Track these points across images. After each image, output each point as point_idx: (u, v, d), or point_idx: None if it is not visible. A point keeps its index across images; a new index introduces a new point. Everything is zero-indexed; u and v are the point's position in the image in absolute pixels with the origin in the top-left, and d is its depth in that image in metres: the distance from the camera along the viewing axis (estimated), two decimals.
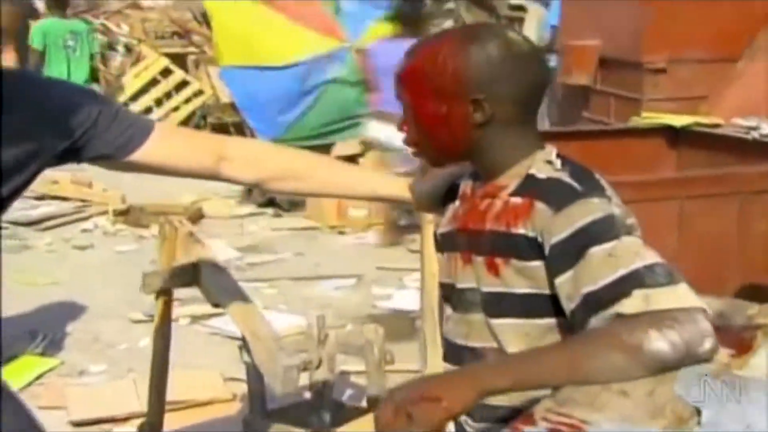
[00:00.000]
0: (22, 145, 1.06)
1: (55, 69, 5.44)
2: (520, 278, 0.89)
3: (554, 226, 0.83)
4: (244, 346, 1.71)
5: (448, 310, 1.05)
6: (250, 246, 4.18)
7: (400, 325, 2.76)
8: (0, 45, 0.94)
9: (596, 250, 0.79)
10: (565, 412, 0.81)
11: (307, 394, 1.88)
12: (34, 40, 5.50)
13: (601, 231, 0.81)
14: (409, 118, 0.96)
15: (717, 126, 2.32)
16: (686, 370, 0.75)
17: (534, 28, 5.47)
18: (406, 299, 3.10)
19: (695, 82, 2.68)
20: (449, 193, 1.06)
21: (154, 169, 1.23)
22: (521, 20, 5.90)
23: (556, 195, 0.86)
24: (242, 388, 2.06)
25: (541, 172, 0.89)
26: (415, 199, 1.17)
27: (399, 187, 1.25)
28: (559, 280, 0.82)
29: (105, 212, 4.60)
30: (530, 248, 0.87)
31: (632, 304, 0.73)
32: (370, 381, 1.83)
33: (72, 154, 1.14)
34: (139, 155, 1.16)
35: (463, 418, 0.95)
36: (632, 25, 3.13)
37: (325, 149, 4.25)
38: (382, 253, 4.11)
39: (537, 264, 0.87)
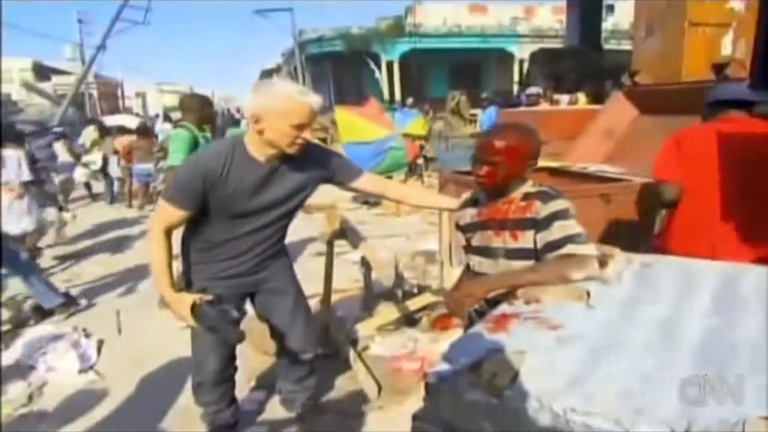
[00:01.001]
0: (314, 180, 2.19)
1: None
2: (526, 240, 1.70)
3: (541, 210, 1.67)
4: (363, 264, 4.01)
5: (479, 258, 1.86)
6: (358, 221, 6.78)
7: (428, 256, 5.10)
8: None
9: (557, 223, 1.64)
10: (530, 293, 1.50)
11: (391, 286, 4.20)
12: None
13: (562, 214, 1.65)
14: (497, 168, 1.72)
15: (569, 167, 4.27)
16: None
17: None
18: (430, 244, 5.54)
19: (559, 147, 4.86)
20: (465, 204, 2.02)
21: (352, 189, 2.36)
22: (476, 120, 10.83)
23: (544, 197, 1.70)
24: (361, 284, 4.24)
25: (532, 189, 1.75)
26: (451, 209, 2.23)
27: (439, 200, 2.51)
28: (539, 235, 1.67)
29: None
30: (531, 224, 1.69)
31: (565, 250, 1.60)
32: (418, 280, 4.14)
33: (327, 180, 2.25)
34: (355, 183, 2.31)
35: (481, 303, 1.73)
36: (532, 122, 5.39)
37: (389, 178, 8.38)
38: (415, 224, 6.91)
39: (531, 232, 1.69)
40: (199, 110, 3.90)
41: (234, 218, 2.06)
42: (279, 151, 1.99)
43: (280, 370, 2.64)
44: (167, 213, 2.01)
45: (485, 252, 1.85)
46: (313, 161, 2.16)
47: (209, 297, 1.96)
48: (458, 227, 2.04)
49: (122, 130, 10.23)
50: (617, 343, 1.22)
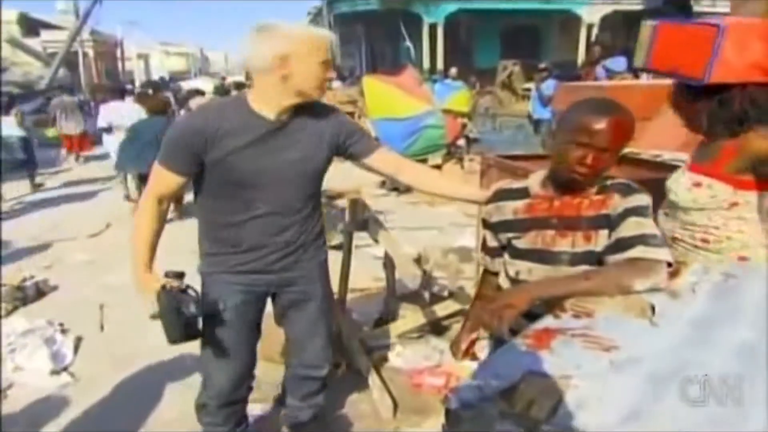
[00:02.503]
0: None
1: None
2: (600, 241, 1.66)
3: (620, 205, 1.65)
4: (386, 260, 4.00)
5: (529, 264, 1.78)
6: (385, 209, 6.85)
7: (463, 253, 5.04)
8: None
9: (632, 219, 1.61)
10: (582, 305, 1.44)
11: (417, 288, 4.17)
12: None
13: (640, 210, 1.63)
14: (607, 157, 1.63)
15: (639, 154, 4.23)
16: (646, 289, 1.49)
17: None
18: (466, 240, 5.50)
19: None
20: (502, 196, 1.88)
21: (365, 165, 2.27)
22: (529, 96, 10.81)
23: (624, 189, 1.68)
24: (382, 283, 4.25)
25: (607, 181, 1.71)
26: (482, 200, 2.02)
27: (467, 192, 2.30)
28: (612, 233, 1.63)
29: None
30: (605, 222, 1.66)
31: (634, 252, 1.54)
32: (449, 283, 4.12)
33: (339, 149, 2.18)
34: (369, 158, 2.23)
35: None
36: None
37: (423, 161, 7.74)
38: (450, 215, 6.88)
39: (607, 231, 1.65)
40: None
41: (241, 187, 2.03)
42: (302, 99, 1.99)
43: (288, 384, 2.63)
44: (161, 177, 2.03)
45: (541, 257, 1.76)
46: (326, 120, 2.14)
47: (180, 284, 1.98)
48: (488, 225, 1.94)
49: (198, 92, 11.89)
50: (686, 372, 1.15)
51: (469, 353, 1.86)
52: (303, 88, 1.96)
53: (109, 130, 8.24)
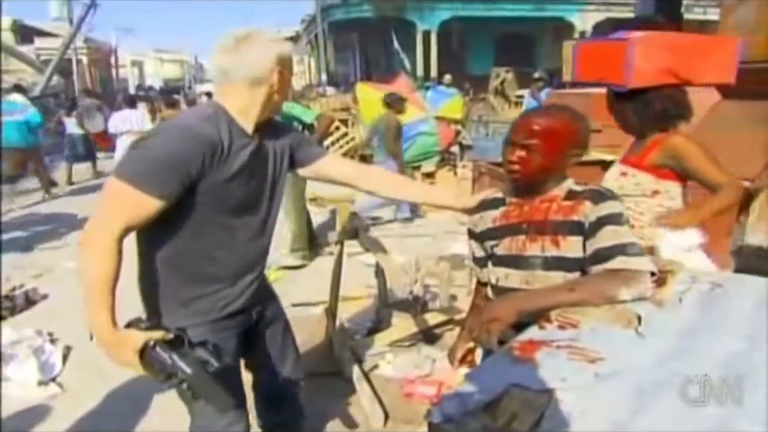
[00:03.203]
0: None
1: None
2: (571, 248, 1.64)
3: (592, 213, 1.61)
4: (378, 269, 3.98)
5: (505, 270, 1.77)
6: (377, 217, 7.01)
7: (456, 261, 5.02)
8: None
9: (608, 228, 1.58)
10: (567, 316, 1.44)
11: (409, 296, 4.15)
12: None
13: (614, 218, 1.60)
14: (533, 154, 1.65)
15: None
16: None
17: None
18: (459, 247, 5.42)
19: (616, 137, 4.74)
20: (483, 206, 1.89)
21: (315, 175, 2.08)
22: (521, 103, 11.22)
23: (596, 196, 1.65)
24: (374, 291, 4.23)
25: (577, 187, 1.70)
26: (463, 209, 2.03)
27: (436, 196, 2.31)
28: (587, 242, 1.61)
29: None
30: (577, 229, 1.63)
31: (614, 263, 1.53)
32: (441, 291, 4.10)
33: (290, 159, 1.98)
34: (317, 164, 2.04)
35: None
36: (584, 107, 5.25)
37: (417, 168, 8.68)
38: (442, 223, 6.77)
39: (579, 238, 1.63)
40: None
41: (232, 215, 1.79)
42: (270, 114, 1.86)
43: (259, 409, 2.29)
44: (132, 203, 1.58)
45: (516, 262, 1.76)
46: (283, 134, 1.99)
47: (166, 335, 1.60)
48: (473, 235, 1.93)
49: (208, 95, 12.85)
50: (672, 384, 1.13)
51: (466, 361, 1.89)
52: (278, 102, 1.85)
53: (116, 135, 9.39)
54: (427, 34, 24.82)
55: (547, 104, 2.04)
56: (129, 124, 9.35)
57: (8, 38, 27.32)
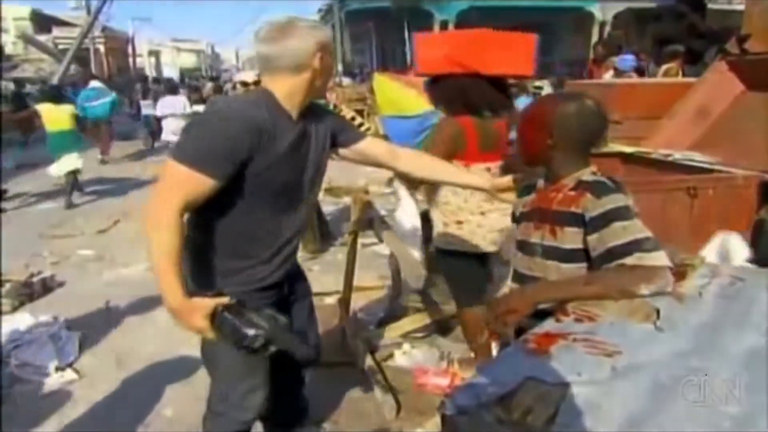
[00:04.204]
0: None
1: None
2: (566, 238, 1.63)
3: (594, 207, 1.56)
4: (392, 259, 3.96)
5: (519, 254, 1.82)
6: (392, 208, 6.87)
7: None
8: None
9: (617, 224, 1.52)
10: (584, 308, 1.42)
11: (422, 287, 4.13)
12: None
13: (621, 213, 1.54)
14: (526, 139, 1.75)
15: (649, 153, 4.16)
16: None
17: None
18: None
19: (637, 129, 4.69)
20: (525, 190, 1.91)
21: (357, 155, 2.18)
22: (539, 94, 9.58)
23: (598, 189, 1.59)
24: (388, 282, 4.24)
25: (588, 177, 1.66)
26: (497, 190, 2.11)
27: (470, 178, 2.30)
28: (590, 238, 1.56)
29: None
30: (576, 220, 1.60)
31: (631, 260, 1.48)
32: None
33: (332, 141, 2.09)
34: (358, 145, 2.15)
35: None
36: (604, 98, 5.20)
37: None
38: None
39: (578, 230, 1.60)
40: None
41: (276, 196, 1.90)
42: (313, 98, 1.95)
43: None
44: (191, 182, 1.69)
45: (523, 247, 1.81)
46: (324, 117, 2.09)
47: (228, 301, 1.72)
48: (513, 219, 1.99)
49: (243, 84, 13.92)
50: (691, 379, 1.11)
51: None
52: (321, 88, 1.95)
53: (164, 118, 10.99)
54: (444, 24, 24.62)
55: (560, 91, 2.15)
56: (173, 108, 10.86)
57: (27, 27, 27.61)
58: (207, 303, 1.69)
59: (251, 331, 1.67)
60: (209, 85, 16.08)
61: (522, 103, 10.41)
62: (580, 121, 1.67)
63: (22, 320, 3.87)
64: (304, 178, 1.97)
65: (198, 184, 1.69)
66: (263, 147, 1.76)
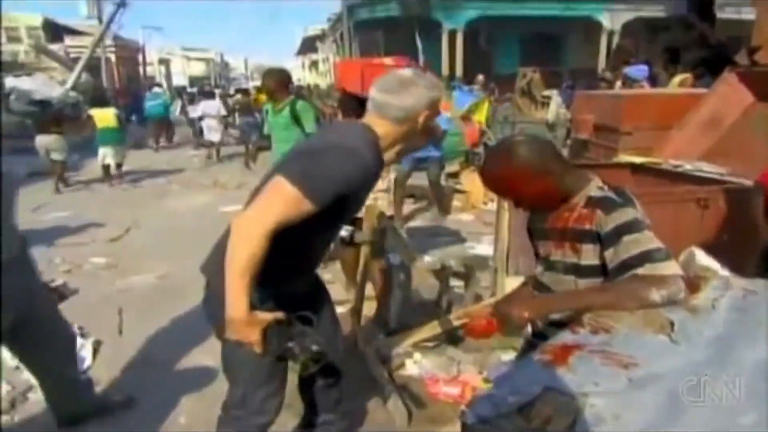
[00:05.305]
0: None
1: None
2: (587, 255, 1.68)
3: (605, 223, 1.62)
4: (403, 269, 3.98)
5: (541, 268, 1.90)
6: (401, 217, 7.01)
7: (480, 262, 5.03)
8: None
9: (627, 238, 1.57)
10: (599, 320, 1.44)
11: (433, 297, 4.17)
12: None
13: (631, 227, 1.59)
14: (521, 197, 1.80)
15: (659, 164, 4.17)
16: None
17: (555, 107, 10.57)
18: (484, 248, 5.59)
19: (647, 140, 4.72)
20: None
21: None
22: (548, 103, 11.05)
23: (607, 205, 1.64)
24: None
25: (596, 193, 1.70)
26: None
27: None
28: (606, 253, 1.61)
29: None
30: (592, 237, 1.65)
31: (643, 270, 1.52)
32: (467, 289, 4.11)
33: None
34: None
35: (538, 323, 1.82)
36: (613, 108, 5.43)
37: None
38: (468, 223, 6.96)
39: (594, 246, 1.66)
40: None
41: (336, 221, 2.04)
42: (402, 147, 2.13)
43: (310, 396, 2.49)
44: (294, 204, 1.70)
45: (547, 264, 1.88)
46: None
47: (282, 316, 1.78)
48: (529, 230, 2.03)
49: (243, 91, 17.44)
50: (706, 390, 1.13)
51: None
52: (420, 140, 2.13)
53: (202, 118, 13.29)
54: (453, 34, 24.70)
55: (491, 149, 2.15)
56: (211, 110, 13.23)
57: (39, 36, 27.87)
58: (265, 318, 1.73)
59: (297, 349, 1.76)
60: (237, 96, 17.93)
61: (456, 97, 10.69)
62: (543, 153, 1.77)
63: None
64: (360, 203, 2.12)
65: (300, 207, 1.70)
66: (365, 186, 1.91)
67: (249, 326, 1.70)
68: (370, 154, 1.83)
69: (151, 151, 15.03)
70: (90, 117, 10.58)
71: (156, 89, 17.06)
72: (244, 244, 1.66)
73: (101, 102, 11.55)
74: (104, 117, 10.36)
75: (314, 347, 1.76)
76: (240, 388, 2.12)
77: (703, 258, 2.10)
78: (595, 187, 1.73)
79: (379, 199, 6.10)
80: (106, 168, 10.39)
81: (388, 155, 2.03)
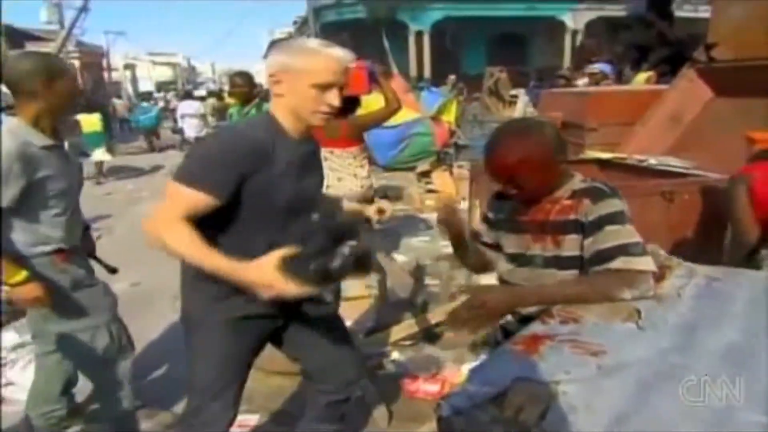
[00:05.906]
0: None
1: None
2: (569, 246, 1.66)
3: (591, 212, 1.60)
4: (377, 269, 4.00)
5: (510, 266, 1.82)
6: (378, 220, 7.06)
7: (455, 260, 5.04)
8: None
9: (609, 228, 1.57)
10: (568, 310, 1.47)
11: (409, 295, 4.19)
12: None
13: (615, 217, 1.58)
14: (524, 184, 1.67)
15: (624, 159, 4.27)
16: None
17: (522, 105, 10.80)
18: None
19: (612, 136, 4.84)
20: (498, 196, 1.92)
21: None
22: (515, 102, 11.36)
23: (595, 194, 1.63)
24: (374, 291, 4.25)
25: (582, 185, 1.69)
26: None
27: None
28: (586, 242, 1.60)
29: None
30: (575, 227, 1.63)
31: (616, 263, 1.53)
32: (441, 288, 4.14)
33: None
34: None
35: (508, 317, 1.77)
36: (579, 106, 5.53)
37: (412, 169, 9.02)
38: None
39: (576, 236, 1.64)
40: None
41: (277, 213, 1.84)
42: (305, 124, 1.86)
43: (315, 413, 2.31)
44: (190, 200, 1.69)
45: (520, 260, 1.81)
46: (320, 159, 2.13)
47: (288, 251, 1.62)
48: (487, 220, 1.98)
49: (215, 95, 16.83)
50: (672, 375, 1.17)
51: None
52: (298, 112, 1.83)
53: (183, 117, 13.87)
54: (419, 35, 24.82)
55: (503, 128, 1.95)
56: (191, 109, 13.82)
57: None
58: (270, 257, 1.61)
59: (326, 268, 1.55)
60: (211, 100, 18.11)
61: (424, 98, 10.83)
62: (550, 135, 1.71)
63: (5, 338, 3.79)
64: (307, 197, 1.93)
65: (197, 201, 1.68)
66: (261, 165, 1.75)
67: (258, 270, 1.60)
68: (253, 131, 1.79)
69: (140, 155, 15.77)
70: (77, 121, 11.06)
71: (144, 104, 19.00)
72: (166, 235, 1.66)
73: (85, 108, 11.90)
74: (90, 122, 11.13)
75: (346, 250, 1.56)
76: (196, 399, 2.05)
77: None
78: (578, 182, 1.73)
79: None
80: (98, 165, 11.30)
81: (292, 128, 1.85)
